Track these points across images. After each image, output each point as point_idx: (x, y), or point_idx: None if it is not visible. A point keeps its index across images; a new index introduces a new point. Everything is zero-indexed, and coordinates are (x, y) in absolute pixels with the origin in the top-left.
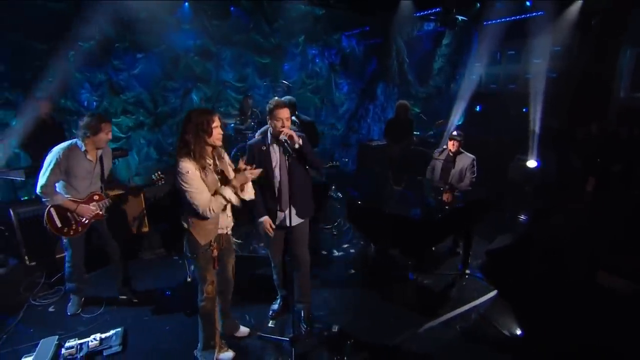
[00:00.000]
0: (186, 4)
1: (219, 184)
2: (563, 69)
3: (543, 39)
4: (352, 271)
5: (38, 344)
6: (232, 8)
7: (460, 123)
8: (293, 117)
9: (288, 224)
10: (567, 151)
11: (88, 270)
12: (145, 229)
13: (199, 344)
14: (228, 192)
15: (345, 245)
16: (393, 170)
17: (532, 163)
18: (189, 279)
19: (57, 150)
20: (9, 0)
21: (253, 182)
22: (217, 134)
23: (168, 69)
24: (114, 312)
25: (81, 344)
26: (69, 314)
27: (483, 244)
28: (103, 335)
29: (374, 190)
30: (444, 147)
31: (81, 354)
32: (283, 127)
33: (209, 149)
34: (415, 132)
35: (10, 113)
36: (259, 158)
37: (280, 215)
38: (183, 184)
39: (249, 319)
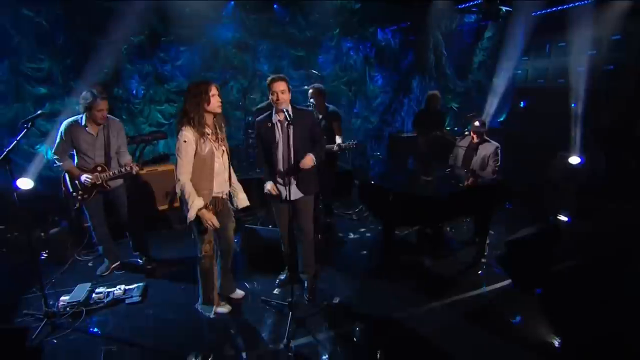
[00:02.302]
0: (232, 2)
1: (217, 155)
2: (622, 60)
3: (599, 28)
4: (364, 252)
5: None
6: (275, 5)
7: (502, 119)
8: (312, 100)
9: (291, 198)
10: (619, 149)
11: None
12: (177, 204)
13: (199, 299)
14: (196, 203)
15: (362, 229)
16: (422, 162)
17: (574, 160)
18: (193, 237)
19: (63, 123)
20: (80, 2)
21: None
22: (215, 102)
23: (208, 61)
24: (139, 272)
25: (108, 292)
26: (97, 273)
27: (507, 235)
28: (127, 287)
29: (404, 181)
30: (466, 133)
31: (107, 300)
32: (277, 99)
33: (209, 117)
34: (448, 128)
35: (75, 100)
36: (265, 134)
37: (282, 189)
38: (178, 151)
39: (257, 286)
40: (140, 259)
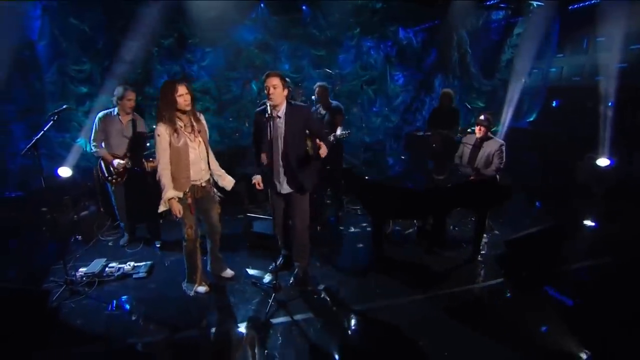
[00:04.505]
0: (262, 4)
1: (193, 146)
2: None
3: None
4: (361, 245)
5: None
6: (304, 7)
7: (532, 119)
8: (315, 97)
9: (283, 192)
10: None
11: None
12: None
13: (186, 277)
14: (168, 194)
15: (364, 224)
16: (435, 160)
17: (603, 162)
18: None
19: (98, 115)
20: (118, 8)
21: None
22: (182, 101)
23: (231, 61)
24: (150, 251)
25: (119, 267)
26: (120, 244)
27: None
28: (136, 264)
29: (423, 179)
30: (469, 131)
31: (118, 273)
32: (270, 94)
33: (180, 113)
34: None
35: (109, 98)
36: (259, 127)
37: (276, 183)
38: (155, 145)
39: (252, 271)
40: (152, 240)
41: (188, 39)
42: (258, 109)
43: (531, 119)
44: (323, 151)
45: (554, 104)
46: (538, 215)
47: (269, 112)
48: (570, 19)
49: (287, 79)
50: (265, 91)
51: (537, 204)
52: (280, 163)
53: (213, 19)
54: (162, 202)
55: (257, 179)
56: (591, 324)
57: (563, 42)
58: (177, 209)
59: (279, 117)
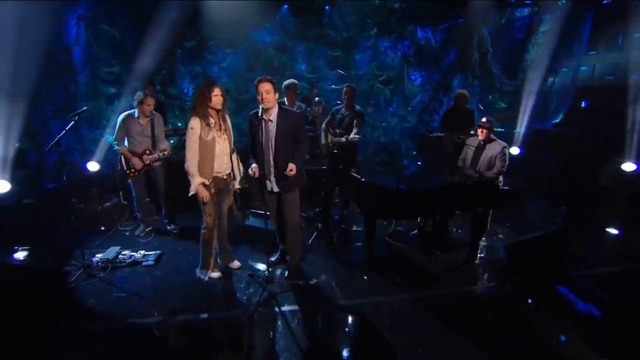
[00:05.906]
0: (285, 5)
1: (219, 141)
2: None
3: None
4: (359, 244)
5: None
6: (326, 7)
7: (557, 121)
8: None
9: (275, 190)
10: None
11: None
12: None
13: (200, 264)
14: (196, 180)
15: None
16: (448, 162)
17: (629, 166)
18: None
19: (120, 116)
20: (146, 12)
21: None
22: (216, 101)
23: (250, 62)
24: (161, 241)
25: (131, 255)
26: (135, 234)
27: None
28: (146, 252)
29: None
30: (471, 132)
31: (129, 260)
32: (262, 99)
33: (213, 111)
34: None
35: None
36: (252, 129)
37: (267, 182)
38: (187, 136)
39: (251, 263)
40: (169, 226)
41: (209, 41)
42: (252, 112)
43: (556, 121)
44: (290, 173)
45: (582, 105)
46: (551, 219)
47: (260, 114)
48: (605, 14)
49: (277, 83)
50: (258, 96)
51: (555, 207)
52: (271, 164)
53: (233, 21)
54: (191, 187)
55: (253, 167)
56: (588, 330)
57: (596, 38)
58: (204, 194)
59: (271, 121)
